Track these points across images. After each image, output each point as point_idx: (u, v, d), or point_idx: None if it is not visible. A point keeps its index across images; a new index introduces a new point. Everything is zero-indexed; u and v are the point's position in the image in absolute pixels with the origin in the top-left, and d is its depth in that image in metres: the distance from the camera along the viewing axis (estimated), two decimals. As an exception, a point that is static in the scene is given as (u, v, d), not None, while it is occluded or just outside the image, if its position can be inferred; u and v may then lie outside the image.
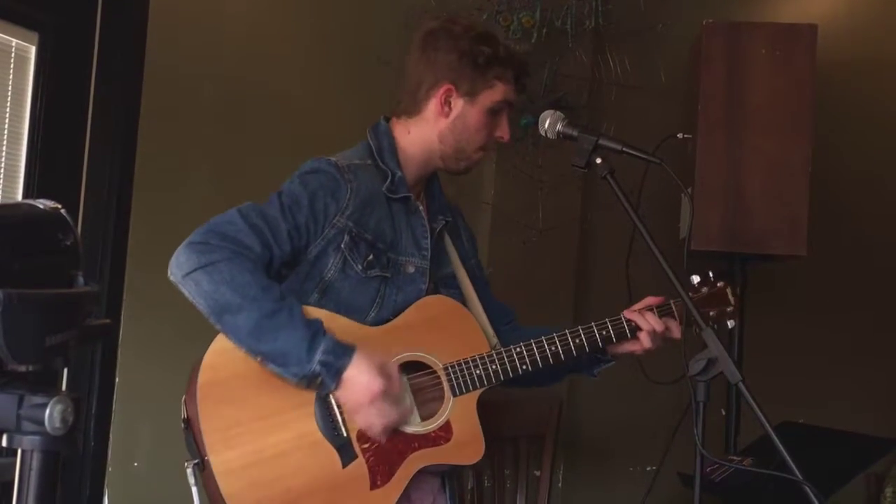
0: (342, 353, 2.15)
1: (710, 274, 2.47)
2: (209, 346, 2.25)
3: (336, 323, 2.22)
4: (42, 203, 1.26)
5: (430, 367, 2.31)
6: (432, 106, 2.41)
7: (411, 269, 2.37)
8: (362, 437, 2.21)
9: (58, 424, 1.16)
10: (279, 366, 2.14)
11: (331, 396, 2.20)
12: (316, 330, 2.15)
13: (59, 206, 1.26)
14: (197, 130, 3.87)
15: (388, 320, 2.31)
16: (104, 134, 3.75)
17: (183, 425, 2.19)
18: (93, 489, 3.67)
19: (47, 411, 1.15)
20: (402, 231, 2.38)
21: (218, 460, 2.13)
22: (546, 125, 2.34)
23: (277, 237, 2.22)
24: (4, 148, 3.44)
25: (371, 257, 2.30)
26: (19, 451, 1.19)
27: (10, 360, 1.14)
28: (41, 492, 1.19)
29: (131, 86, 3.77)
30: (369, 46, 3.89)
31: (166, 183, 3.82)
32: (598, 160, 2.22)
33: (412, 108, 2.44)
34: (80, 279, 1.24)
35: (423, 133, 2.43)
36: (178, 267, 2.17)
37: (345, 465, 2.19)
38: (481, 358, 2.32)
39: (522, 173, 3.85)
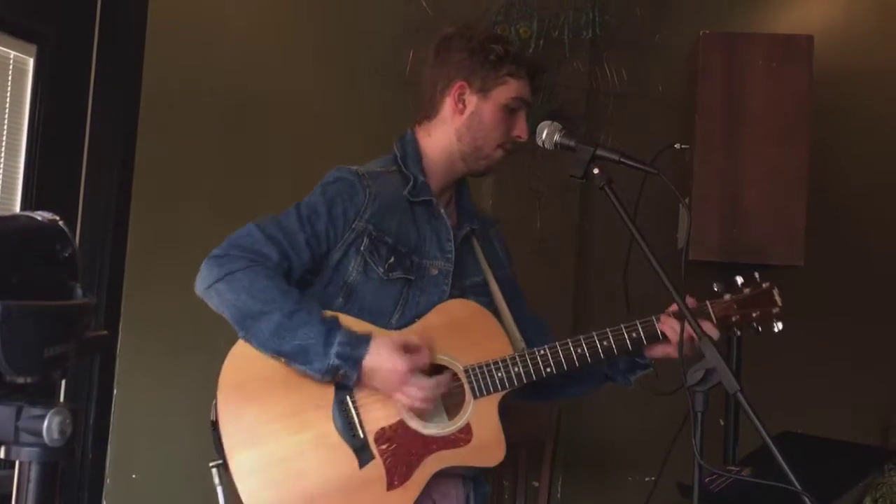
0: (358, 342, 2.18)
1: (756, 275, 2.44)
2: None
3: (359, 328, 2.24)
4: (40, 215, 1.26)
5: (451, 369, 2.31)
6: (448, 105, 2.44)
7: (434, 272, 2.38)
8: (380, 438, 2.23)
9: (56, 436, 1.16)
10: (302, 364, 2.18)
11: (348, 398, 2.22)
12: (332, 325, 2.19)
13: (58, 218, 1.26)
14: (195, 142, 3.88)
15: (411, 322, 2.33)
16: (102, 146, 3.75)
17: (211, 427, 2.24)
18: (91, 501, 3.67)
19: (45, 423, 1.15)
20: (426, 234, 2.40)
21: (237, 460, 2.17)
22: (543, 136, 2.34)
23: (295, 246, 2.27)
24: (2, 160, 3.44)
25: (392, 260, 2.32)
26: (17, 463, 1.19)
27: (8, 371, 1.13)
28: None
29: (129, 97, 3.78)
30: (367, 58, 3.90)
31: (164, 194, 3.82)
32: (596, 170, 2.22)
33: (430, 112, 2.47)
34: (79, 291, 1.24)
35: (442, 134, 2.46)
36: (201, 280, 2.25)
37: (362, 465, 2.21)
38: (503, 360, 2.32)
39: (520, 184, 3.85)
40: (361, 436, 2.22)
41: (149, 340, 3.75)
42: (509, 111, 2.43)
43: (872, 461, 3.17)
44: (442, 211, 2.44)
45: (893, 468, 3.57)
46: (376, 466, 2.21)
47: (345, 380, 2.19)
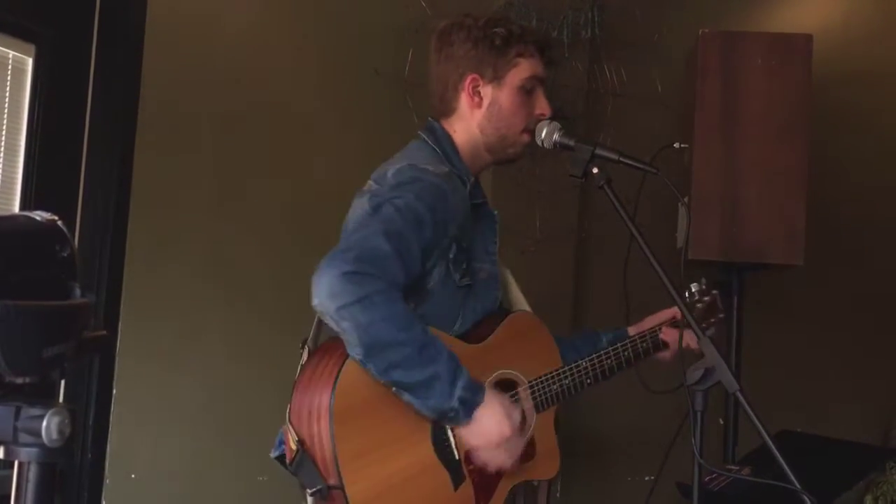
0: (476, 390, 2.13)
1: (703, 282, 2.56)
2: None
3: (448, 344, 2.18)
4: (39, 215, 1.26)
5: (516, 382, 2.32)
6: (464, 100, 2.38)
7: (484, 276, 2.36)
8: (468, 458, 2.21)
9: (55, 436, 1.15)
10: (419, 397, 2.09)
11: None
12: (457, 364, 2.11)
13: (56, 218, 1.26)
14: (194, 141, 3.87)
15: (468, 330, 2.30)
16: (101, 145, 3.75)
17: (297, 448, 2.12)
18: (90, 501, 3.66)
19: (44, 423, 1.15)
20: (475, 237, 2.36)
21: (354, 490, 2.07)
22: (543, 135, 2.34)
23: (413, 259, 2.15)
24: (1, 160, 3.44)
25: (465, 266, 2.29)
26: (16, 464, 1.19)
27: (7, 371, 1.13)
28: (38, 504, 1.19)
29: (128, 97, 3.78)
30: (367, 58, 3.91)
31: (163, 193, 3.82)
32: (595, 170, 2.22)
33: (447, 109, 2.41)
34: (77, 291, 1.24)
35: (464, 129, 2.39)
36: (332, 298, 2.04)
37: (456, 487, 2.19)
38: (557, 374, 2.36)
39: (519, 183, 3.85)
40: (457, 456, 2.19)
41: (148, 340, 3.75)
42: (526, 92, 2.37)
43: (871, 460, 3.17)
44: (495, 213, 2.42)
45: (894, 466, 3.57)
46: (467, 487, 2.20)
47: (450, 422, 2.14)
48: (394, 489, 2.13)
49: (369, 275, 2.05)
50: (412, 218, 2.15)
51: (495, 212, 2.44)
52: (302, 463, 2.11)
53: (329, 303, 2.04)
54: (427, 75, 2.49)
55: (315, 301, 2.06)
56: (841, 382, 4.10)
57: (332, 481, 2.07)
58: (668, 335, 2.51)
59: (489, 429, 2.14)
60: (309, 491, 2.10)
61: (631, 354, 2.46)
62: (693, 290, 2.52)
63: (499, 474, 2.25)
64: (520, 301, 2.50)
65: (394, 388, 2.10)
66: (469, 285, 2.30)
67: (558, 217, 3.92)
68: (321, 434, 2.09)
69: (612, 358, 2.42)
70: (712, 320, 2.54)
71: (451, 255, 2.25)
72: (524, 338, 2.38)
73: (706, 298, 2.53)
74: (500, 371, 2.30)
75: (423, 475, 2.16)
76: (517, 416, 2.20)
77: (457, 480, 2.19)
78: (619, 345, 2.44)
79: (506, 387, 2.30)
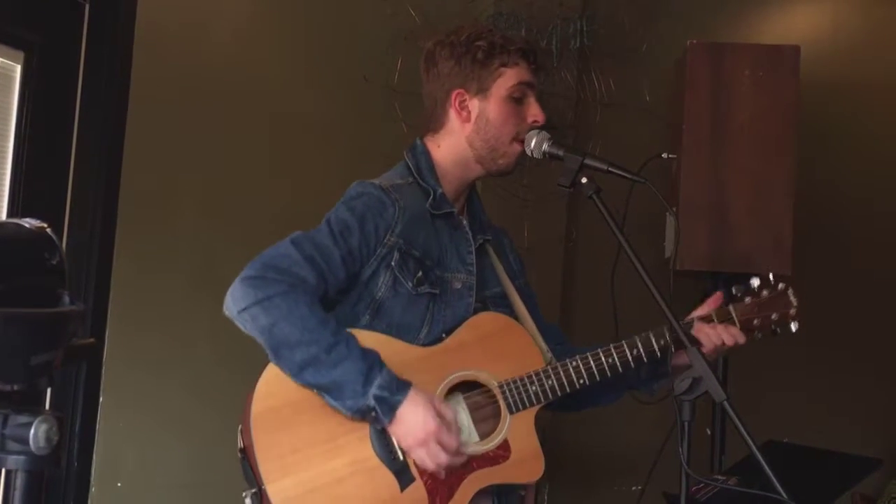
0: (397, 388, 2.13)
1: (771, 276, 2.46)
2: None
3: (390, 347, 2.20)
4: (28, 222, 1.25)
5: (482, 384, 2.29)
6: (452, 116, 2.40)
7: (458, 285, 2.35)
8: None
9: (42, 444, 1.15)
10: (335, 398, 2.13)
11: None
12: (372, 363, 2.13)
13: (45, 226, 1.26)
14: (183, 148, 3.87)
15: (439, 338, 2.29)
16: (89, 152, 3.74)
17: (240, 455, 2.19)
18: (76, 509, 3.65)
19: (32, 431, 1.15)
20: (447, 247, 2.36)
21: (275, 489, 2.11)
22: (532, 145, 2.34)
23: (331, 265, 2.21)
24: (-11, 166, 3.43)
25: (420, 274, 2.28)
26: (3, 471, 1.18)
27: (-5, 379, 1.13)
28: (25, 512, 1.18)
29: (117, 104, 3.77)
30: (356, 65, 3.91)
31: (152, 201, 3.81)
32: (584, 179, 2.23)
33: (436, 125, 2.43)
34: (66, 298, 1.24)
35: (452, 143, 2.40)
36: (234, 302, 2.16)
37: (403, 488, 2.17)
38: (537, 374, 2.29)
39: (508, 192, 3.85)
40: (401, 458, 2.18)
41: (135, 348, 3.74)
42: (515, 101, 2.38)
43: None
44: (464, 222, 2.41)
45: None
46: (417, 489, 2.18)
47: (374, 422, 2.15)
48: (323, 489, 2.13)
49: (269, 278, 2.14)
50: (338, 228, 2.24)
51: (465, 221, 2.42)
52: (244, 469, 2.18)
53: (232, 307, 2.16)
54: (416, 83, 2.50)
55: (224, 308, 2.17)
56: (829, 392, 4.11)
57: (261, 483, 2.12)
58: (700, 332, 2.33)
59: (413, 426, 2.13)
60: (245, 494, 2.15)
61: (642, 352, 2.31)
62: (753, 284, 2.43)
63: (460, 475, 2.21)
64: (532, 332, 2.44)
65: (314, 391, 2.14)
66: (433, 293, 2.30)
67: (546, 226, 3.92)
68: (248, 437, 2.15)
69: (614, 356, 2.30)
70: (773, 317, 2.44)
71: (393, 263, 2.26)
72: (493, 339, 2.33)
73: (765, 292, 2.44)
74: (461, 372, 2.27)
75: (360, 475, 2.16)
76: (448, 412, 2.17)
77: (404, 482, 2.17)
78: (624, 342, 2.32)
79: (471, 388, 2.29)
